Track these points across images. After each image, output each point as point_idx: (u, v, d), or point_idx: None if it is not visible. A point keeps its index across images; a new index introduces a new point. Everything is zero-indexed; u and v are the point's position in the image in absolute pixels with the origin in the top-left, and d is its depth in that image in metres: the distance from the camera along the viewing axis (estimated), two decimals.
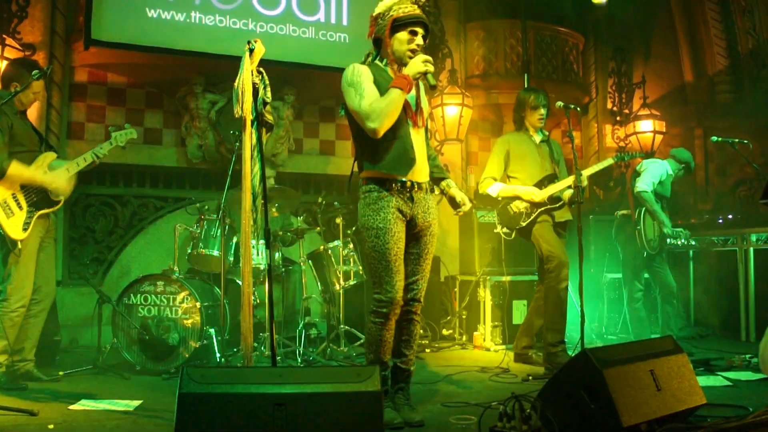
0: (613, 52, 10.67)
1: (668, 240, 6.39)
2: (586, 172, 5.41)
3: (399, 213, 3.67)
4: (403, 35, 3.72)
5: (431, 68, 3.62)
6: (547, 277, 5.42)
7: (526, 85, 8.42)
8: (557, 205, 5.50)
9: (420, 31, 3.75)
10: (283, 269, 6.20)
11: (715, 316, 7.52)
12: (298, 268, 6.24)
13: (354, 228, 6.39)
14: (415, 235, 3.80)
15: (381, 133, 3.59)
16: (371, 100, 3.59)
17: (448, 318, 7.20)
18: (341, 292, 6.20)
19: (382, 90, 3.65)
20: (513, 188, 5.55)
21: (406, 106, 3.72)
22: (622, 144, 10.30)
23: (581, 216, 4.96)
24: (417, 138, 3.80)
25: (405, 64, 3.71)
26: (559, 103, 5.30)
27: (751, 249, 7.11)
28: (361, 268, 6.20)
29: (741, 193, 6.02)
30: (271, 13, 7.69)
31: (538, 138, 5.69)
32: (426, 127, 3.97)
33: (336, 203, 6.55)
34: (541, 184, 5.51)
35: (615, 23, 10.18)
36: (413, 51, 3.70)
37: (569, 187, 5.41)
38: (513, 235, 5.65)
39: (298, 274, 6.28)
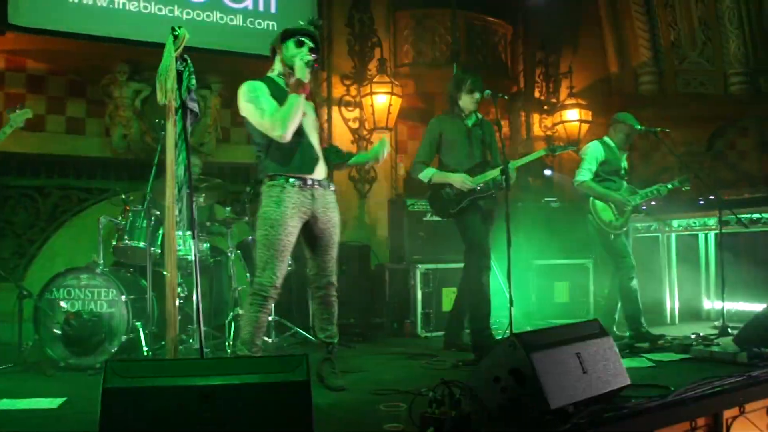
0: (541, 42, 10.82)
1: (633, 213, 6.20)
2: (516, 163, 5.44)
3: (299, 210, 3.99)
4: (290, 43, 4.09)
5: (309, 57, 3.96)
6: (470, 266, 5.50)
7: (455, 73, 8.44)
8: (487, 193, 5.51)
9: (308, 43, 4.08)
10: (212, 260, 6.10)
11: (641, 300, 7.69)
12: (227, 259, 6.15)
13: None
14: (319, 229, 4.15)
15: (288, 137, 3.93)
16: (272, 110, 3.93)
17: (379, 307, 7.21)
18: None
19: (279, 102, 3.97)
20: (444, 175, 5.52)
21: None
22: (549, 133, 10.47)
23: (509, 203, 5.00)
24: (315, 138, 4.18)
25: (293, 66, 4.04)
26: (487, 92, 5.34)
27: (673, 235, 7.33)
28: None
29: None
30: (197, 0, 7.56)
31: (470, 122, 5.63)
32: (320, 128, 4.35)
33: None
34: (472, 171, 5.49)
35: (543, 14, 10.31)
36: (304, 59, 3.98)
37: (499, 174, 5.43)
38: (449, 220, 5.67)
39: (226, 264, 6.18)
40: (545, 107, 10.64)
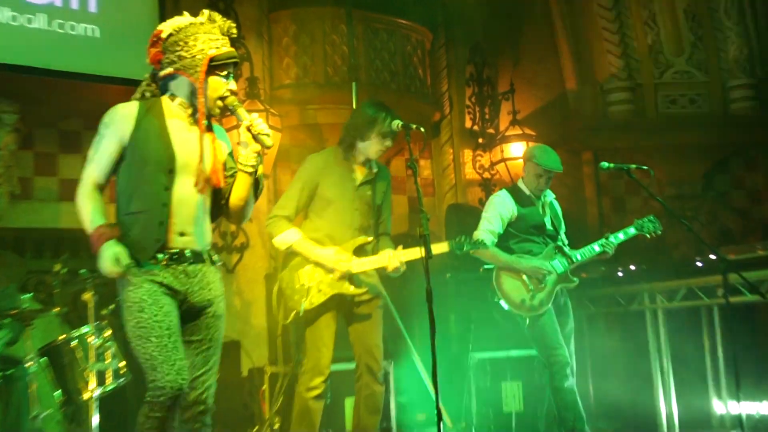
0: (471, 53, 10.89)
1: (560, 285, 6.02)
2: (406, 256, 5.30)
3: (167, 288, 3.82)
4: (214, 79, 3.93)
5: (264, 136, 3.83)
6: (357, 374, 5.54)
7: (354, 98, 8.38)
8: (360, 291, 5.39)
9: (230, 70, 4.00)
10: (0, 374, 5.85)
11: (624, 406, 7.66)
12: (24, 372, 5.86)
13: (113, 306, 6.13)
14: (192, 317, 3.95)
15: None
16: (95, 174, 3.83)
17: (255, 428, 7.06)
18: (94, 402, 5.84)
19: (149, 144, 3.82)
20: (313, 249, 5.32)
21: (168, 160, 3.85)
22: (486, 175, 10.48)
23: (429, 275, 4.73)
24: (193, 197, 3.94)
25: (212, 114, 3.97)
26: (397, 122, 5.17)
27: (663, 310, 7.25)
28: (124, 363, 6.00)
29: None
30: None
31: (361, 175, 5.50)
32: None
33: (84, 271, 6.18)
34: (349, 249, 5.39)
35: (472, 14, 10.38)
36: (223, 98, 3.91)
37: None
38: (290, 318, 5.49)
39: (23, 380, 5.84)
40: (480, 140, 10.68)
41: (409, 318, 6.28)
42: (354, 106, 8.17)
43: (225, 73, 3.93)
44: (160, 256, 3.81)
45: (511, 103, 10.62)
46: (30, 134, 7.86)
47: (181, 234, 3.86)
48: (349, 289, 5.32)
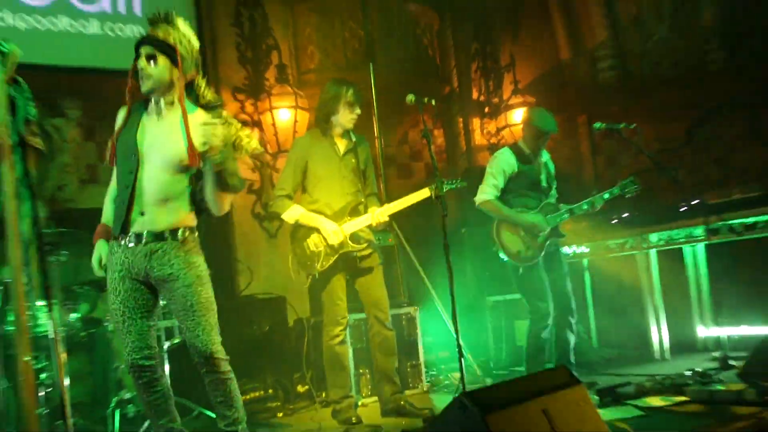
0: (475, 30, 10.89)
1: (550, 239, 6.08)
2: (388, 210, 5.64)
3: (129, 270, 3.95)
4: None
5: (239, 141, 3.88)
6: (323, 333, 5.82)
7: (372, 77, 8.42)
8: (361, 247, 5.67)
9: (144, 50, 3.90)
10: (84, 333, 5.95)
11: (622, 334, 7.82)
12: (104, 330, 5.95)
13: None
14: (160, 289, 4.03)
15: None
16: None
17: (302, 372, 7.03)
18: (164, 354, 5.98)
19: (123, 137, 3.98)
20: (315, 218, 5.64)
21: (132, 148, 3.93)
22: (493, 140, 10.52)
23: (447, 230, 4.94)
24: (157, 180, 3.96)
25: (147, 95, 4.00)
26: (411, 97, 5.29)
27: (653, 251, 7.35)
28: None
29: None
30: (36, 3, 7.40)
31: (342, 146, 5.80)
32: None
33: None
34: (341, 215, 5.66)
35: None
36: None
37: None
38: (309, 282, 5.76)
39: (104, 337, 5.99)
40: (487, 109, 10.75)
41: (431, 269, 6.43)
42: (373, 85, 8.30)
43: (142, 54, 3.88)
44: (123, 241, 3.92)
45: (512, 74, 10.66)
46: (92, 127, 7.86)
47: (141, 213, 3.90)
48: (351, 245, 5.58)
